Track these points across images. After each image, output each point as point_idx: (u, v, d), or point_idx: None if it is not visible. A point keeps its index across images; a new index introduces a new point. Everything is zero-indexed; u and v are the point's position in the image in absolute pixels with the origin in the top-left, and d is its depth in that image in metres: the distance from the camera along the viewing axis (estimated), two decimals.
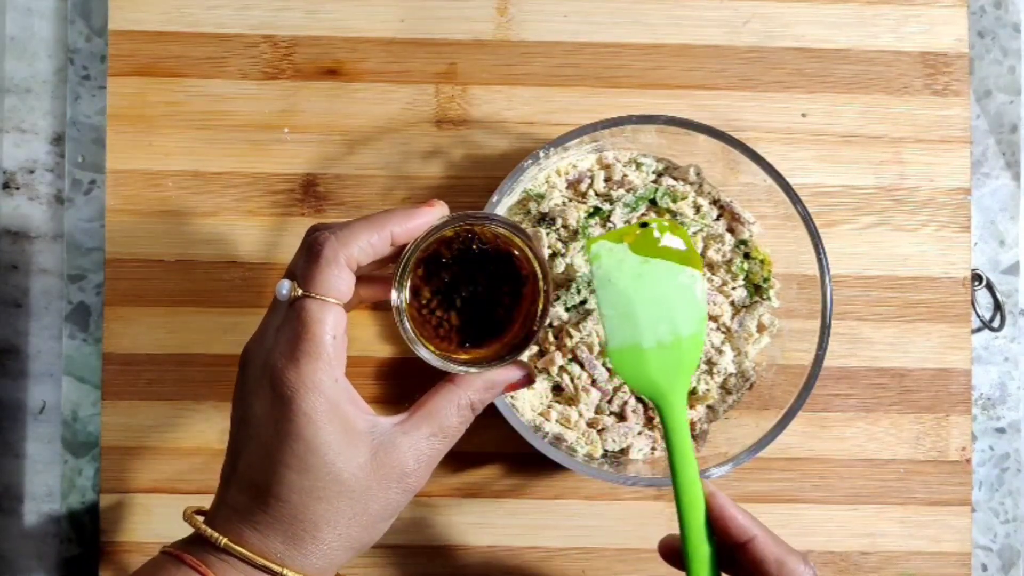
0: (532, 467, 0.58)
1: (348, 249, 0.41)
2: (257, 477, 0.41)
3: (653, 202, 0.54)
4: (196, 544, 0.42)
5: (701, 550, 0.42)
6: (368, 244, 0.42)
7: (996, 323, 0.59)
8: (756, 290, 0.55)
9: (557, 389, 0.54)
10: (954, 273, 0.59)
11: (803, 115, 0.59)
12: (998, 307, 0.59)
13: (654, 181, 0.55)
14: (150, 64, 0.57)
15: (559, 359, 0.53)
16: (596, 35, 0.58)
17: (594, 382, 0.54)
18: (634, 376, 0.44)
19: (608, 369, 0.54)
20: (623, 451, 0.54)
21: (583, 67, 0.58)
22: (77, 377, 0.58)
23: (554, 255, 0.54)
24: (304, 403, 0.40)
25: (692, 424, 0.55)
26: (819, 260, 0.51)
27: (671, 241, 0.44)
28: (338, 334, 0.41)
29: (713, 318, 0.55)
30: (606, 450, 0.54)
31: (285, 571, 0.40)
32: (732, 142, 0.51)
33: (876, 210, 0.59)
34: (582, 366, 0.53)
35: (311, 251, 0.41)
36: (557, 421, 0.54)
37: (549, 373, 0.54)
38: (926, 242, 0.59)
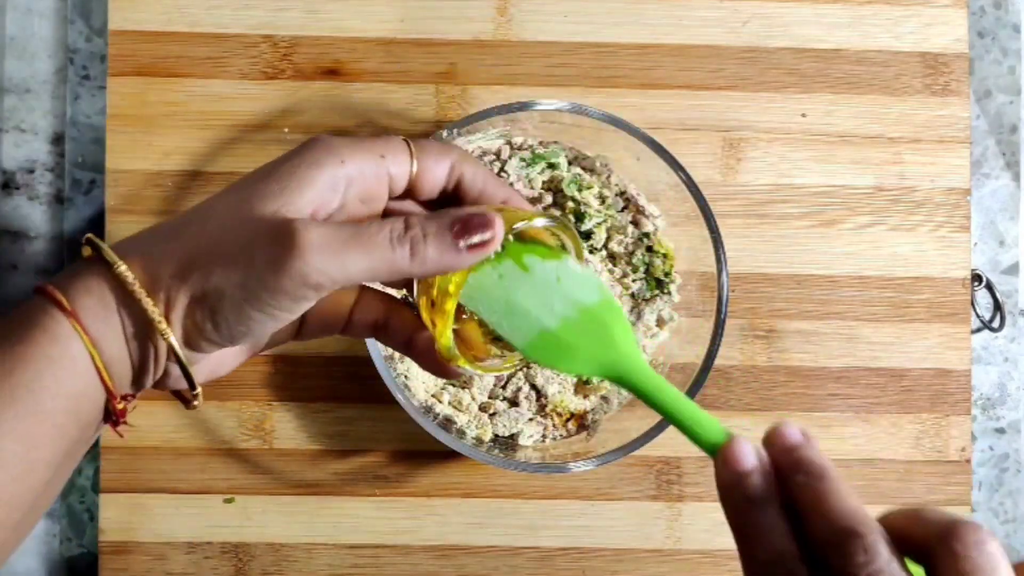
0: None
1: (464, 160, 0.38)
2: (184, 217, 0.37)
3: (551, 166, 0.54)
4: (79, 273, 0.36)
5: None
6: (484, 176, 0.39)
7: (996, 323, 0.59)
8: (657, 284, 0.55)
9: None
10: (953, 273, 0.59)
11: (802, 115, 0.59)
12: (998, 307, 0.59)
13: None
14: (150, 64, 0.57)
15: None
16: (595, 35, 0.58)
17: None
18: (567, 361, 0.38)
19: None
20: (513, 437, 0.54)
21: (582, 67, 0.58)
22: None
23: None
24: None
25: (584, 414, 0.55)
26: (717, 257, 0.51)
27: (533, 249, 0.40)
28: (388, 157, 0.37)
29: None
30: (496, 435, 0.54)
31: (132, 280, 0.34)
32: (638, 134, 0.51)
33: (875, 210, 0.59)
34: None
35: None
36: (449, 403, 0.54)
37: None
38: (925, 242, 0.59)
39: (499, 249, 0.37)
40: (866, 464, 0.58)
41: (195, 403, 0.38)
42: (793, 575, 0.31)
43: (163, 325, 0.34)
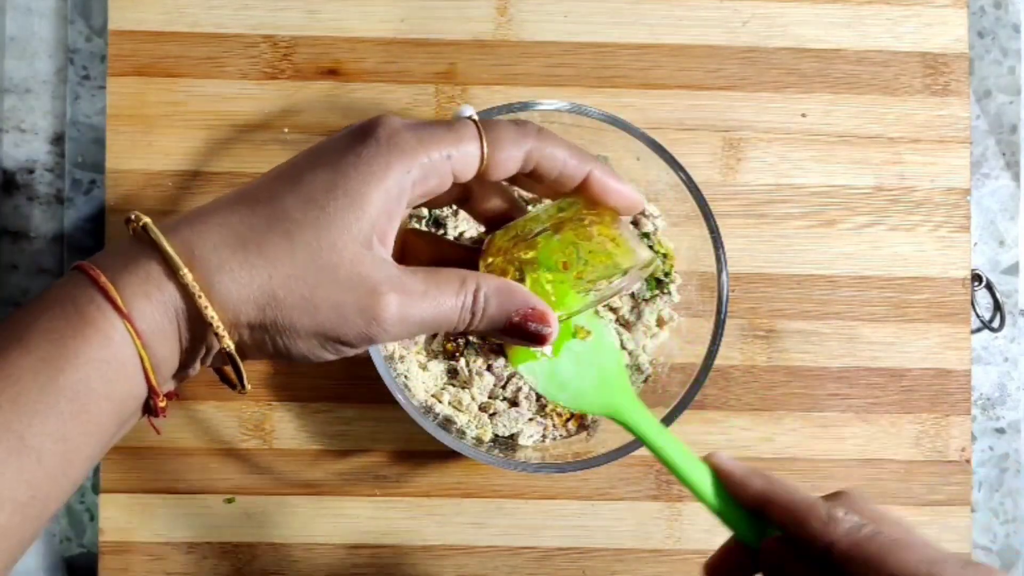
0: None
1: (542, 141, 0.37)
2: (254, 188, 0.36)
3: None
4: (136, 265, 0.34)
5: (735, 515, 0.39)
6: (565, 156, 0.37)
7: (996, 323, 0.59)
8: (657, 284, 0.55)
9: (452, 372, 0.55)
10: (953, 273, 0.59)
11: (802, 115, 0.59)
12: (998, 307, 0.59)
13: None
14: (150, 64, 0.57)
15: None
16: (595, 35, 0.58)
17: (489, 367, 0.54)
18: (577, 401, 0.43)
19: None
20: (513, 437, 0.54)
21: (582, 67, 0.58)
22: None
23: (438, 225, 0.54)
24: (373, 151, 0.35)
25: (584, 414, 0.55)
26: (717, 257, 0.51)
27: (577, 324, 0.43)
28: (455, 155, 0.36)
29: (613, 310, 0.55)
30: (496, 435, 0.54)
31: (199, 295, 0.33)
32: (638, 134, 0.51)
33: (875, 210, 0.59)
34: (477, 351, 0.54)
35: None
36: (449, 403, 0.54)
37: (447, 356, 0.54)
38: (925, 242, 0.59)
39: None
40: (866, 464, 0.58)
41: (244, 390, 0.37)
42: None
43: (227, 341, 0.34)
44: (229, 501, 0.57)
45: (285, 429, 0.57)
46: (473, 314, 0.36)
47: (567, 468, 0.50)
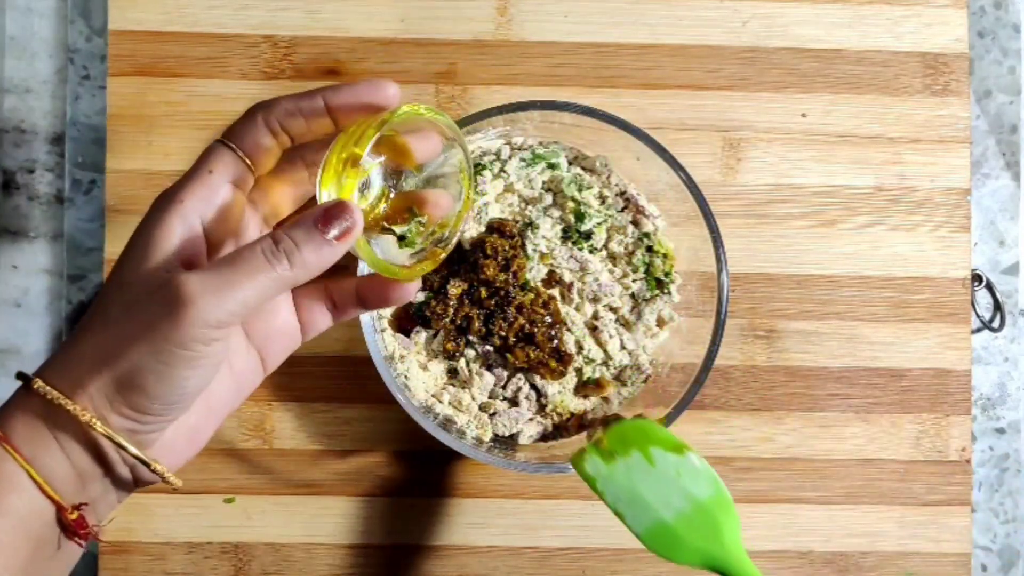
0: None
1: (268, 109, 0.39)
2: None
3: (551, 166, 0.55)
4: (11, 401, 0.37)
5: None
6: (294, 106, 0.39)
7: (996, 323, 0.59)
8: (657, 284, 0.55)
9: (453, 372, 0.55)
10: (953, 273, 0.59)
11: (802, 115, 0.59)
12: (998, 307, 0.59)
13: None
14: (150, 64, 0.57)
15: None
16: (595, 35, 0.58)
17: (490, 367, 0.54)
18: (678, 553, 0.44)
19: (506, 356, 0.54)
20: (513, 437, 0.54)
21: (583, 67, 0.58)
22: None
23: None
24: (149, 218, 0.38)
25: (584, 414, 0.55)
26: (717, 257, 0.51)
27: (647, 431, 0.45)
28: (216, 169, 0.38)
29: (613, 309, 0.55)
30: (496, 435, 0.54)
31: (40, 386, 0.36)
32: (638, 134, 0.51)
33: (875, 210, 0.59)
34: (476, 351, 0.54)
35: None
36: (449, 403, 0.54)
37: (447, 356, 0.54)
38: (925, 242, 0.59)
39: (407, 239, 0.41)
40: (866, 464, 0.58)
41: (173, 483, 0.38)
42: None
43: (87, 415, 0.35)
44: (229, 501, 0.57)
45: (285, 429, 0.57)
46: (285, 252, 0.36)
47: (567, 468, 0.50)
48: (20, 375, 0.37)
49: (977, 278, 0.59)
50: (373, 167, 0.41)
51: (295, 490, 0.57)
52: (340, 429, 0.57)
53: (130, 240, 0.38)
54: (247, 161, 0.39)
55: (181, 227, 0.37)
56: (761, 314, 0.58)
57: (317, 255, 0.37)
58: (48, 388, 0.35)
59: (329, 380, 0.57)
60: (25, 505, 0.35)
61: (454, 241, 0.43)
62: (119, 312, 0.36)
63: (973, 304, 0.59)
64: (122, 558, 0.57)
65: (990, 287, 0.59)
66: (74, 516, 0.36)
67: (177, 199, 0.37)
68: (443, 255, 0.43)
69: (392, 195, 0.42)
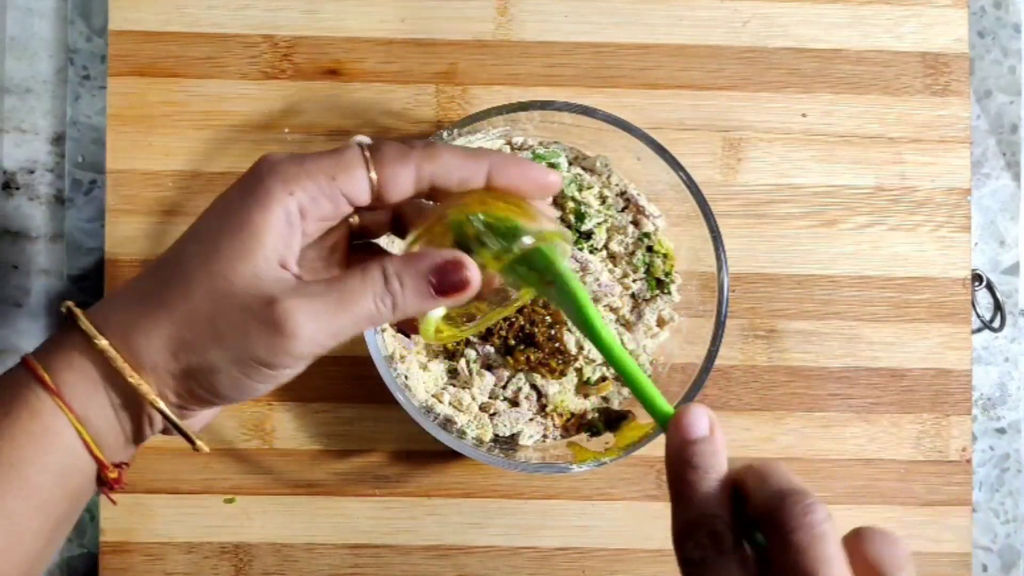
0: None
1: (429, 158, 0.37)
2: (165, 257, 0.37)
3: (552, 166, 0.55)
4: (62, 344, 0.36)
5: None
6: (457, 164, 0.37)
7: (996, 323, 0.59)
8: (658, 284, 0.55)
9: (453, 372, 0.55)
10: (954, 273, 0.59)
11: (802, 115, 0.59)
12: (998, 307, 0.59)
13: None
14: (150, 64, 0.57)
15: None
16: (596, 35, 0.58)
17: (490, 367, 0.54)
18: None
19: (504, 356, 0.54)
20: (513, 437, 0.54)
21: (583, 67, 0.58)
22: None
23: None
24: (268, 182, 0.36)
25: (584, 414, 0.55)
26: (717, 256, 0.51)
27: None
28: (339, 178, 0.36)
29: (613, 310, 0.55)
30: (496, 435, 0.54)
31: (115, 357, 0.35)
32: (638, 134, 0.51)
33: (875, 210, 0.59)
34: (477, 351, 0.54)
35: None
36: (450, 403, 0.54)
37: (447, 356, 0.54)
38: (925, 242, 0.59)
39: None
40: (866, 464, 0.58)
41: (201, 450, 0.38)
42: (718, 537, 0.31)
43: (152, 396, 0.35)
44: (229, 501, 0.57)
45: (285, 429, 0.57)
46: (392, 295, 0.35)
47: (567, 468, 0.50)
48: (69, 313, 0.35)
49: (977, 278, 0.59)
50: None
51: (295, 490, 0.57)
52: (340, 429, 0.57)
53: (225, 213, 0.36)
54: (374, 183, 0.36)
55: (284, 223, 0.35)
56: (761, 314, 0.58)
57: (419, 306, 0.36)
58: (115, 356, 0.35)
59: (329, 380, 0.57)
60: (68, 461, 0.35)
61: (481, 328, 0.42)
62: (212, 302, 0.35)
63: (973, 304, 0.59)
64: (122, 558, 0.57)
65: (990, 287, 0.59)
66: (114, 475, 0.36)
67: (288, 188, 0.35)
68: (466, 335, 0.42)
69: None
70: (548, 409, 0.55)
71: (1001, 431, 0.60)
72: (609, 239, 0.55)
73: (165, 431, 0.37)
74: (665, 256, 0.55)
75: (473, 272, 0.36)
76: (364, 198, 0.37)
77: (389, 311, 0.35)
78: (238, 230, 0.35)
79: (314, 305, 0.34)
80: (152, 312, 0.35)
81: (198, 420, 0.39)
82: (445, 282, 0.35)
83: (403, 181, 0.37)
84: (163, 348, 0.35)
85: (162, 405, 0.35)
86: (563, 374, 0.54)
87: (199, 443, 0.37)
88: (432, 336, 0.40)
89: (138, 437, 0.37)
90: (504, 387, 0.55)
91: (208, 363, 0.35)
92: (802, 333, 0.58)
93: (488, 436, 0.54)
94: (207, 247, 0.36)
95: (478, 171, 0.37)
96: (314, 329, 0.34)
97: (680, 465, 0.33)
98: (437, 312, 0.40)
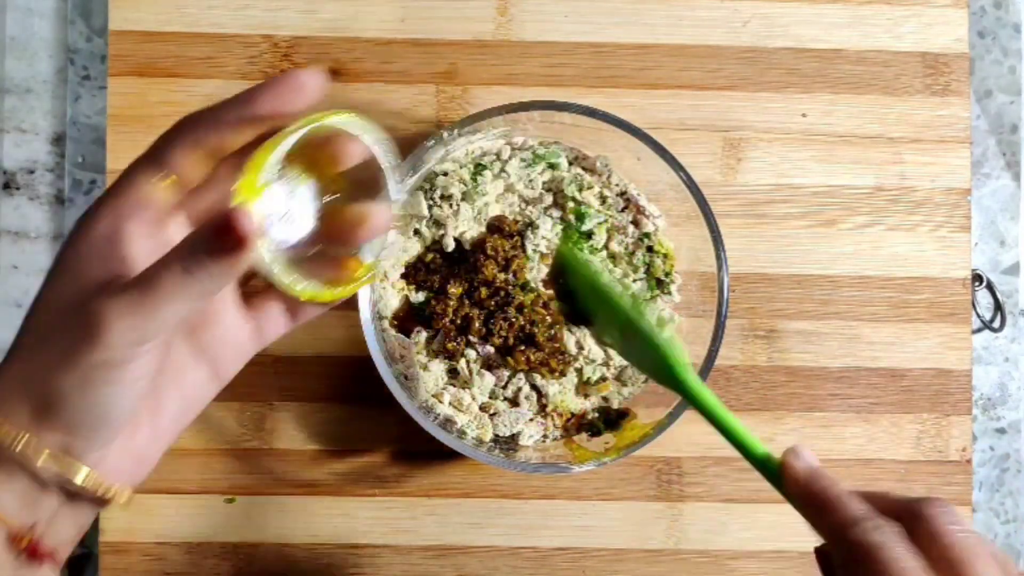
0: None
1: (196, 125, 0.38)
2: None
3: (552, 166, 0.55)
4: None
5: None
6: (218, 119, 0.38)
7: (996, 323, 0.59)
8: (658, 284, 0.55)
9: (453, 372, 0.55)
10: (954, 273, 0.59)
11: (802, 115, 0.59)
12: (998, 307, 0.59)
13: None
14: (150, 64, 0.57)
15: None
16: (596, 35, 0.58)
17: (490, 367, 0.54)
18: (646, 321, 0.44)
19: (508, 357, 0.54)
20: (513, 437, 0.54)
21: (583, 67, 0.58)
22: None
23: (439, 224, 0.54)
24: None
25: (584, 414, 0.55)
26: (717, 256, 0.51)
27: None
28: (141, 190, 0.38)
29: None
30: (496, 435, 0.54)
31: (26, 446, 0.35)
32: (638, 134, 0.51)
33: (875, 210, 0.59)
34: (477, 351, 0.54)
35: None
36: (450, 404, 0.54)
37: (448, 356, 0.54)
38: (925, 242, 0.59)
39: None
40: (866, 464, 0.58)
41: (115, 501, 0.37)
42: (880, 527, 0.34)
43: (6, 436, 0.35)
44: (229, 501, 0.57)
45: (285, 429, 0.57)
46: (196, 263, 0.34)
47: (567, 468, 0.50)
48: None
49: (977, 278, 0.59)
50: (278, 181, 0.39)
51: (295, 490, 0.57)
52: (340, 429, 0.57)
53: (53, 261, 0.38)
54: (174, 176, 0.38)
55: (101, 248, 0.36)
56: (761, 314, 0.58)
57: (219, 273, 0.34)
58: None
59: (329, 380, 0.57)
60: None
61: (388, 251, 0.41)
62: (40, 335, 0.36)
63: (974, 304, 0.59)
64: (122, 558, 0.57)
65: (990, 287, 0.59)
66: (26, 541, 0.36)
67: (98, 217, 0.37)
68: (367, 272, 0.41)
69: (316, 212, 0.40)
70: (548, 409, 0.55)
71: (1001, 431, 0.60)
72: (609, 239, 0.55)
73: (90, 498, 0.37)
74: (665, 256, 0.55)
75: (244, 222, 0.33)
76: (171, 191, 0.38)
77: (203, 279, 0.34)
78: (56, 270, 0.37)
79: (122, 296, 0.34)
80: (2, 365, 0.37)
81: (119, 475, 0.38)
82: (230, 231, 0.34)
83: (190, 158, 0.38)
84: (11, 388, 0.36)
85: (19, 443, 0.35)
86: (563, 374, 0.54)
87: (108, 496, 0.37)
88: (324, 296, 0.40)
89: (34, 495, 0.36)
90: (504, 387, 0.55)
91: (50, 387, 0.35)
92: (802, 333, 0.58)
93: (488, 436, 0.54)
94: (37, 299, 0.38)
95: (240, 116, 0.38)
96: (129, 318, 0.34)
97: (816, 481, 0.36)
98: (286, 277, 0.39)
